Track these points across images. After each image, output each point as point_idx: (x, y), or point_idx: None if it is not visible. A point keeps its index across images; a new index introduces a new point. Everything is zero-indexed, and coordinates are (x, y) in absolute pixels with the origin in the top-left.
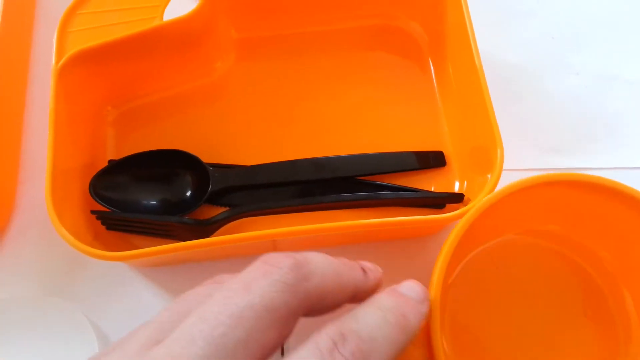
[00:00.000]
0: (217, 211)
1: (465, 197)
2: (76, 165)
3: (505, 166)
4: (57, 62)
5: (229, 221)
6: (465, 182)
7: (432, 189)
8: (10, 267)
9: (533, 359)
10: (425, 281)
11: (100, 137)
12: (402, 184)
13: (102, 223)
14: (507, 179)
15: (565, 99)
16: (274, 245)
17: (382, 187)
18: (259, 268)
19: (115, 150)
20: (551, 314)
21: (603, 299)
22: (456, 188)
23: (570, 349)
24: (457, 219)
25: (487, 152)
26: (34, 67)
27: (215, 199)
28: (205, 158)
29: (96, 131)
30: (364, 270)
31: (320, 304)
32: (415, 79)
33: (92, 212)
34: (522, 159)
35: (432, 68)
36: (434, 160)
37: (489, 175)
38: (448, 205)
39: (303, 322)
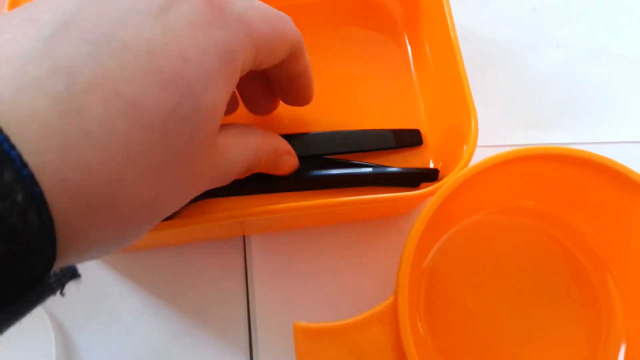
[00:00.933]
0: None
1: (440, 174)
2: None
3: (483, 142)
4: None
5: (192, 202)
6: (441, 162)
7: None
8: None
9: (515, 341)
10: (397, 262)
11: None
12: (376, 164)
13: None
14: (485, 155)
15: (546, 74)
16: (242, 227)
17: (353, 166)
18: None
19: None
20: (533, 294)
21: (587, 277)
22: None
23: (553, 330)
24: (430, 196)
25: (462, 127)
26: None
27: None
28: None
29: None
30: None
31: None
32: (391, 55)
33: None
34: (501, 136)
35: (407, 43)
36: (410, 138)
37: (464, 148)
38: (423, 185)
39: None
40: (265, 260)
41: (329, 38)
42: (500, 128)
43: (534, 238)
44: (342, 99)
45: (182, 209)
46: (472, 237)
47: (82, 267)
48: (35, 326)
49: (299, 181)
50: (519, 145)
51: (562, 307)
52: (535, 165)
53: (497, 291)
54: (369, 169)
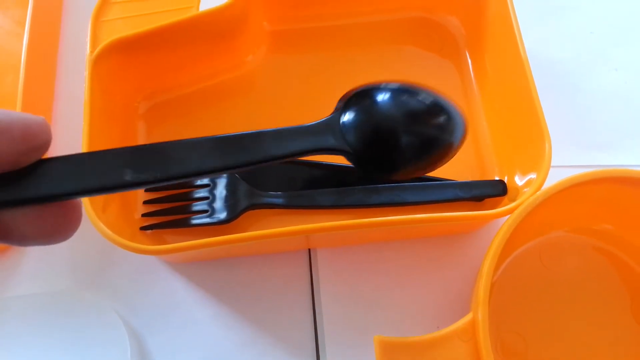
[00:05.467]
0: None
1: (507, 188)
2: None
3: None
4: (91, 52)
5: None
6: (506, 177)
7: None
8: (42, 262)
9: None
10: (467, 279)
11: (131, 129)
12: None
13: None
14: (552, 176)
15: (604, 96)
16: (307, 240)
17: (415, 179)
18: None
19: (146, 141)
20: (598, 316)
21: None
22: None
23: (617, 353)
24: (507, 215)
25: (533, 146)
26: (63, 58)
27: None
28: None
29: (127, 124)
30: None
31: None
32: (450, 74)
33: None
34: (564, 155)
35: (469, 62)
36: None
37: (535, 173)
38: (487, 201)
39: None
40: (331, 273)
41: (389, 57)
42: (561, 149)
43: (603, 260)
44: None
45: (238, 215)
46: (542, 255)
47: (157, 276)
48: (111, 334)
49: (363, 195)
50: (583, 165)
51: (628, 331)
52: (608, 188)
53: (562, 310)
54: (438, 182)
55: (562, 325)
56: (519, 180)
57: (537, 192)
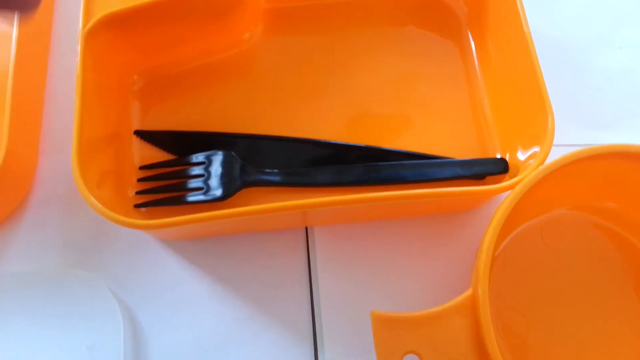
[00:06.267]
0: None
1: (509, 165)
2: (102, 135)
3: None
4: (84, 26)
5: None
6: (508, 155)
7: None
8: (33, 239)
9: (577, 338)
10: (467, 256)
11: (125, 106)
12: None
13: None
14: (554, 154)
15: (608, 74)
16: (304, 218)
17: (416, 157)
18: None
19: (140, 121)
20: (601, 296)
21: None
22: None
23: (619, 333)
24: (508, 190)
25: (535, 121)
26: (56, 32)
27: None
28: (231, 128)
29: (122, 100)
30: None
31: None
32: (452, 54)
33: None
34: (567, 134)
35: (471, 42)
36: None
37: (539, 147)
38: (489, 179)
39: None
40: (329, 251)
41: (388, 36)
42: (565, 128)
43: (607, 239)
44: (401, 97)
45: (234, 192)
46: (544, 233)
47: (151, 253)
48: (103, 309)
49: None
50: (585, 144)
51: (631, 311)
52: (612, 165)
53: (564, 289)
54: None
55: (564, 304)
56: (521, 157)
57: (540, 167)
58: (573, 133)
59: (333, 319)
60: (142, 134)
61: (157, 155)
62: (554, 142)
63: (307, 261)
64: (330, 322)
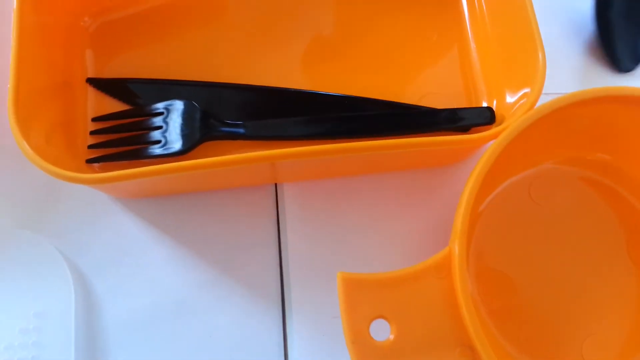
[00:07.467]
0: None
1: (496, 115)
2: (47, 84)
3: None
4: None
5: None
6: (495, 101)
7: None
8: None
9: (565, 300)
10: (449, 215)
11: (76, 52)
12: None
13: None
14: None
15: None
16: (273, 173)
17: (394, 107)
18: None
19: (94, 68)
20: (591, 255)
21: None
22: None
23: (608, 292)
24: (492, 139)
25: (525, 61)
26: None
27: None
28: (193, 76)
29: (72, 45)
30: None
31: None
32: None
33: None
34: (559, 82)
35: None
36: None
37: (529, 88)
38: (474, 132)
39: None
40: (299, 208)
41: None
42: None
43: (598, 193)
44: (378, 40)
45: (194, 145)
46: (531, 188)
47: (104, 213)
48: (53, 274)
49: (336, 124)
50: None
51: (621, 268)
52: (608, 111)
53: (552, 247)
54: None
55: (552, 264)
56: (510, 102)
57: (528, 112)
58: (567, 81)
59: (303, 283)
60: (96, 82)
61: (113, 105)
62: (544, 91)
63: (276, 220)
64: (299, 285)
